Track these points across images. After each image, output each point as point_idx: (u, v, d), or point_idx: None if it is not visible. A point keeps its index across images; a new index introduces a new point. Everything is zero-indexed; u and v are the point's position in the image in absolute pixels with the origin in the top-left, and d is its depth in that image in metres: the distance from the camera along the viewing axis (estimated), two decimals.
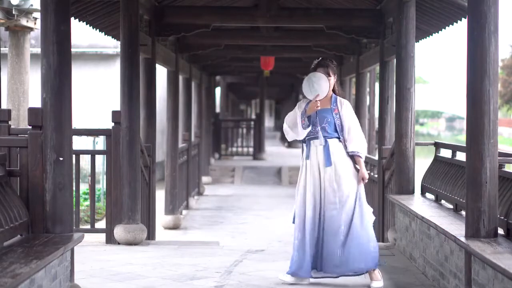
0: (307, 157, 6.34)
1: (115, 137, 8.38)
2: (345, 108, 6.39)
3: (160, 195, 11.95)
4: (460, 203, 6.73)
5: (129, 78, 8.53)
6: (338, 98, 6.43)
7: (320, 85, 6.31)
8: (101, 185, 14.18)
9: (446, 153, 8.13)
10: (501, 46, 13.34)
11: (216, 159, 25.11)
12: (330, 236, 6.27)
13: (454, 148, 7.74)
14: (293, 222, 6.43)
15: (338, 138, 6.33)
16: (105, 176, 9.06)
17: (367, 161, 11.33)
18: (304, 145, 6.44)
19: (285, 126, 6.49)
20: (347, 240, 6.24)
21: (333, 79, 6.40)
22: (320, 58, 6.52)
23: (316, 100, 6.28)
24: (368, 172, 11.05)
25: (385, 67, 10.07)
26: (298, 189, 6.43)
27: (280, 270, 6.87)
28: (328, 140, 6.30)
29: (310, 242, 6.29)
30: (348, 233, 6.24)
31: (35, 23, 12.54)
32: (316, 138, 6.32)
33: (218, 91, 29.85)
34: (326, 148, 6.29)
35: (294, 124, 6.40)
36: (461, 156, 7.21)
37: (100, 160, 12.78)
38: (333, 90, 6.45)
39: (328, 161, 6.26)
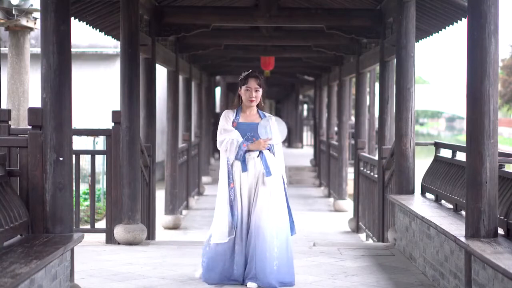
0: (244, 169, 6.33)
1: (115, 137, 8.38)
2: (273, 123, 6.50)
3: (160, 195, 11.95)
4: (460, 203, 6.73)
5: (129, 78, 8.53)
6: (265, 113, 6.54)
7: (279, 132, 6.43)
8: (101, 185, 14.18)
9: (446, 153, 8.13)
10: (501, 46, 13.34)
11: (216, 159, 25.11)
12: (263, 246, 6.20)
13: (454, 148, 7.74)
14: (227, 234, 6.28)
15: (269, 149, 6.45)
16: (105, 176, 9.06)
17: (367, 161, 11.34)
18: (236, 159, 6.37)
19: (223, 143, 6.43)
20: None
21: (261, 91, 6.50)
22: (250, 70, 6.59)
23: (264, 141, 6.33)
24: (368, 172, 11.09)
25: (385, 67, 10.07)
26: (227, 199, 6.35)
27: None
28: (263, 151, 6.39)
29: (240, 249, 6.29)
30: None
31: (35, 23, 12.53)
32: (253, 150, 6.37)
33: (218, 91, 29.85)
34: (264, 159, 6.36)
35: (231, 146, 6.38)
36: (461, 156, 7.21)
37: (100, 160, 12.79)
38: (260, 105, 6.56)
39: (268, 172, 6.32)
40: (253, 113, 6.53)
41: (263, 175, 6.32)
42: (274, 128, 6.43)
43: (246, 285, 6.23)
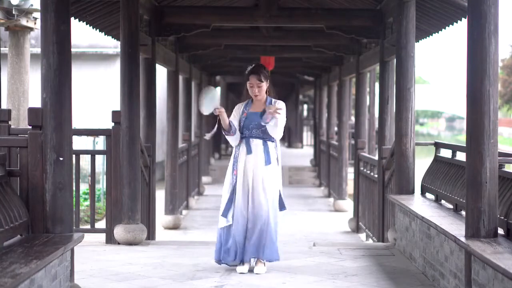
0: (249, 151, 6.84)
1: (115, 137, 8.38)
2: (281, 108, 6.83)
3: (160, 195, 11.95)
4: (460, 203, 6.73)
5: (129, 78, 8.53)
6: (273, 100, 6.94)
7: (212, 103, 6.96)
8: (101, 185, 14.19)
9: (446, 153, 8.13)
10: (501, 46, 13.33)
11: (216, 159, 25.14)
12: (257, 230, 6.77)
13: (454, 148, 7.74)
14: (224, 216, 6.91)
15: (273, 141, 6.91)
16: (105, 176, 9.06)
17: (367, 161, 11.35)
18: (242, 140, 6.89)
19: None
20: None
21: (265, 84, 6.91)
22: (254, 65, 7.02)
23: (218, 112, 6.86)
24: (368, 172, 11.09)
25: (385, 67, 10.06)
26: (230, 181, 6.88)
27: (280, 269, 6.88)
28: (267, 141, 6.87)
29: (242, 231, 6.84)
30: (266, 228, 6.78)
31: (35, 23, 12.53)
32: (257, 138, 6.86)
33: (218, 91, 29.88)
34: (266, 149, 6.84)
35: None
36: (461, 156, 7.21)
37: (100, 160, 12.78)
38: (268, 93, 6.98)
39: (268, 161, 6.82)
40: (261, 103, 6.97)
41: (262, 162, 6.80)
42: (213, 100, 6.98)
43: (253, 270, 6.79)
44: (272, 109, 6.68)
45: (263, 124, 6.78)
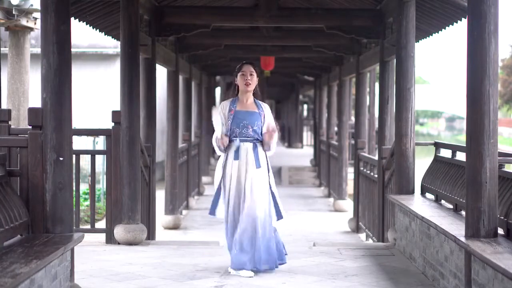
0: (237, 157, 6.74)
1: (115, 137, 8.38)
2: (268, 111, 6.92)
3: (160, 195, 11.95)
4: (460, 203, 6.73)
5: (129, 78, 8.53)
6: (260, 102, 6.93)
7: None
8: (101, 185, 14.18)
9: (446, 153, 8.13)
10: (501, 46, 13.33)
11: (216, 159, 25.09)
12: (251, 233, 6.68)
13: (454, 148, 7.74)
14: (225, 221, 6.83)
15: (261, 140, 6.84)
16: (105, 176, 9.06)
17: (367, 161, 11.35)
18: (231, 144, 6.80)
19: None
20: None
21: (256, 77, 6.87)
22: (244, 61, 7.04)
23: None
24: (368, 172, 11.09)
25: (385, 67, 10.07)
26: (222, 187, 6.81)
27: (280, 269, 6.88)
28: (257, 143, 6.80)
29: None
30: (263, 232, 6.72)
31: (35, 23, 12.53)
32: (247, 140, 6.77)
33: (218, 91, 29.85)
34: (256, 151, 6.76)
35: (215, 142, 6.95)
36: (461, 156, 7.21)
37: (100, 160, 12.78)
38: (254, 95, 6.93)
39: (257, 163, 6.73)
40: (250, 102, 6.89)
41: (253, 166, 6.72)
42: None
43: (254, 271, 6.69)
44: (268, 134, 6.71)
45: (266, 148, 6.78)
